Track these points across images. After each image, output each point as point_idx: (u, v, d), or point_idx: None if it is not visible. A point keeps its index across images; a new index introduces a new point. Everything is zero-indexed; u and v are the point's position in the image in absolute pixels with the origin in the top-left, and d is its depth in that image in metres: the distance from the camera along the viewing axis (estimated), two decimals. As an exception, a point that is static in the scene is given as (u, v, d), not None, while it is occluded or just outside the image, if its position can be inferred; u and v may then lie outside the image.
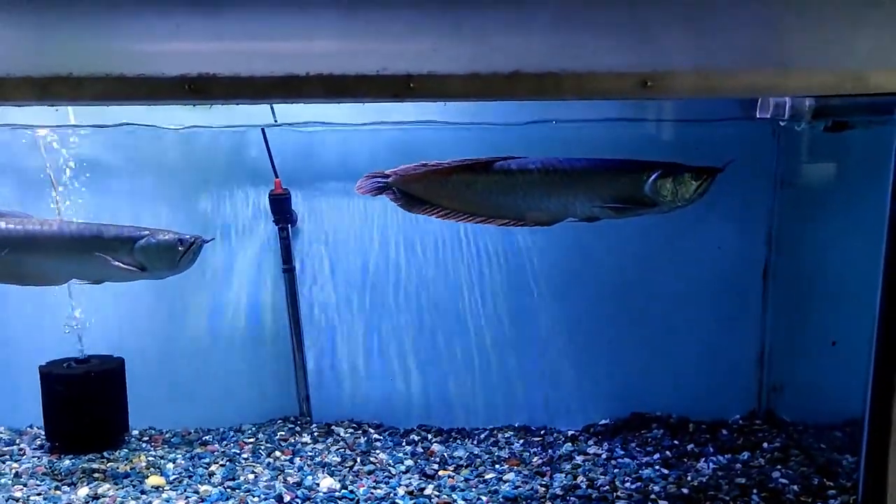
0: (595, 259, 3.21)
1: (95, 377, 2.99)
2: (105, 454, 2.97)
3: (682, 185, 2.41)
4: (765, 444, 3.05)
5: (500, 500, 2.62)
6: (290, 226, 3.20)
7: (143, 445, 3.11)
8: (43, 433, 3.12)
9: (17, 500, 2.59)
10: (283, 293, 3.24)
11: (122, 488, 2.68)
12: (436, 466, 2.89)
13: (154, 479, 2.73)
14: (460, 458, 2.97)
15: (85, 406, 2.98)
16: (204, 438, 3.18)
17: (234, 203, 3.20)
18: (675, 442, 3.09)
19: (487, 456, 2.99)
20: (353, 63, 2.14)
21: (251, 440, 3.14)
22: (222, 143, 3.16)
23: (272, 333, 3.29)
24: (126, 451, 3.03)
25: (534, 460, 2.95)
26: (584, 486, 2.69)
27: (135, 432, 3.21)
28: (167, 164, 3.17)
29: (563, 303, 3.26)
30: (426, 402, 3.32)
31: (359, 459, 2.94)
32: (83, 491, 2.65)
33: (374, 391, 3.33)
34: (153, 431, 3.25)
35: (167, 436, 3.21)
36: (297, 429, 3.24)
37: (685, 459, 2.94)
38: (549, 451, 3.03)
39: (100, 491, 2.65)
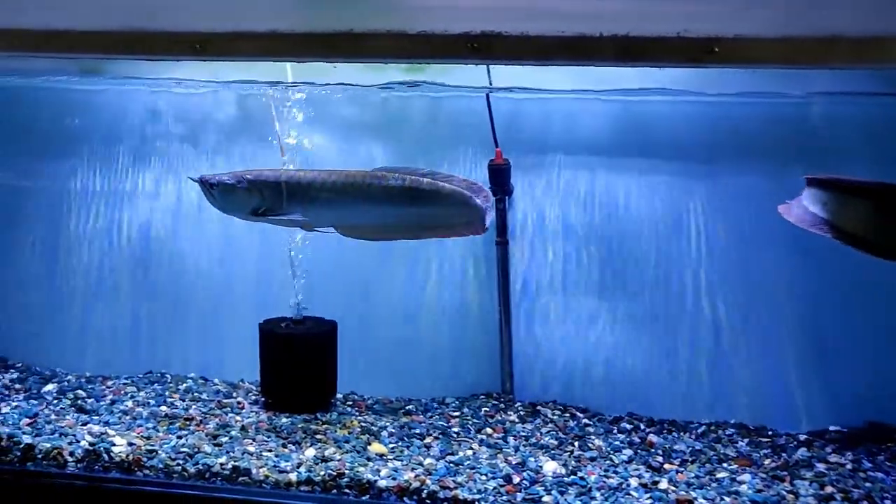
0: (823, 256, 2.94)
1: (314, 338, 3.00)
2: (318, 416, 2.98)
3: None
4: None
5: (746, 502, 2.43)
6: (507, 197, 3.10)
7: (349, 410, 3.10)
8: (255, 388, 3.18)
9: (252, 454, 2.62)
10: (494, 266, 3.15)
11: (347, 453, 2.66)
12: (660, 459, 2.73)
13: (376, 447, 2.70)
14: (683, 453, 2.79)
15: (303, 366, 3.00)
16: (407, 408, 3.14)
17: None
18: (928, 458, 2.80)
19: (712, 452, 2.80)
20: (650, 24, 1.98)
21: (456, 414, 3.07)
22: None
23: (479, 306, 3.22)
24: (336, 414, 3.03)
25: (765, 462, 2.74)
26: (840, 498, 2.46)
27: (339, 396, 3.22)
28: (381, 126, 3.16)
29: (793, 300, 3.03)
30: (635, 389, 3.15)
31: (577, 444, 2.82)
32: (310, 451, 2.65)
33: (578, 373, 3.20)
34: (355, 397, 3.25)
35: (369, 402, 3.21)
36: (502, 406, 3.15)
37: (947, 478, 2.66)
38: (783, 454, 2.80)
39: (326, 453, 2.64)
